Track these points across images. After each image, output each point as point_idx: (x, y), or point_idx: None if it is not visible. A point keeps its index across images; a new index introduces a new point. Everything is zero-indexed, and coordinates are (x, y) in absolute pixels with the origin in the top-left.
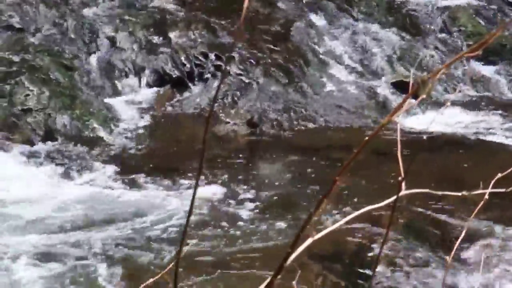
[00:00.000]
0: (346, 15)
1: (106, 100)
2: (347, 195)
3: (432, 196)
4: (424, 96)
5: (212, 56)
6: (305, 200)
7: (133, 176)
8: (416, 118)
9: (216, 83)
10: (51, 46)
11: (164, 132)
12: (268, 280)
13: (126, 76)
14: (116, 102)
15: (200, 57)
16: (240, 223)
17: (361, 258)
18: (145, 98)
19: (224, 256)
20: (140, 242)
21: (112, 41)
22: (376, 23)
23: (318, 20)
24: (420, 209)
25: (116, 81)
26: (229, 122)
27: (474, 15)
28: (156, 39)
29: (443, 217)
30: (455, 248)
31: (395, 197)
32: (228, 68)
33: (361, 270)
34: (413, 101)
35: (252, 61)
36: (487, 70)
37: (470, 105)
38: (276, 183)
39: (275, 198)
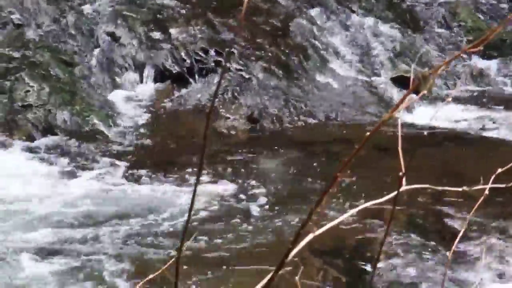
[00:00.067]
0: (346, 10)
1: (106, 96)
2: (348, 190)
3: (433, 191)
4: (425, 92)
5: (212, 51)
6: (307, 195)
7: (135, 171)
8: (417, 114)
9: (216, 79)
10: (51, 42)
11: (164, 128)
12: (269, 276)
13: (126, 71)
14: (116, 98)
15: (200, 53)
16: (243, 218)
17: (362, 253)
18: (145, 94)
19: (229, 251)
20: (146, 238)
21: (112, 37)
22: (376, 18)
23: (318, 15)
24: (420, 204)
25: (116, 77)
26: (229, 118)
27: (474, 10)
28: (156, 35)
29: (443, 212)
30: (455, 243)
31: (395, 192)
32: (228, 63)
33: (362, 265)
34: (414, 96)
35: (252, 56)
36: (488, 65)
37: (471, 100)
38: (277, 178)
39: (277, 193)
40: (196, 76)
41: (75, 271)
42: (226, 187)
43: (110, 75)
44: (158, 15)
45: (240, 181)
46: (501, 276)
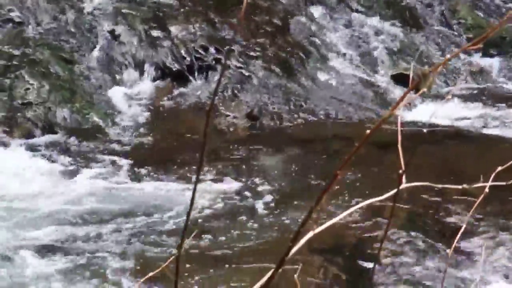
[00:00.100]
0: (345, 8)
1: (106, 93)
2: (348, 188)
3: (433, 189)
4: (425, 89)
5: (212, 49)
6: (307, 192)
7: (135, 169)
8: (417, 111)
9: (216, 76)
10: (51, 40)
11: (164, 125)
12: (269, 274)
13: (126, 69)
14: (116, 96)
15: (200, 51)
16: (244, 216)
17: (362, 251)
18: (145, 91)
19: (231, 249)
20: (149, 236)
21: (112, 34)
22: (375, 15)
23: (318, 13)
24: (421, 202)
25: (116, 75)
26: (229, 115)
27: (474, 8)
28: (156, 33)
29: (443, 210)
30: (456, 240)
31: (395, 190)
32: (228, 61)
33: (362, 263)
34: (413, 95)
35: (252, 54)
36: (488, 63)
37: (471, 98)
38: (277, 176)
39: (277, 190)
40: (196, 74)
41: (78, 268)
42: (227, 185)
43: (110, 72)
44: (158, 13)
45: (240, 178)
46: (501, 273)
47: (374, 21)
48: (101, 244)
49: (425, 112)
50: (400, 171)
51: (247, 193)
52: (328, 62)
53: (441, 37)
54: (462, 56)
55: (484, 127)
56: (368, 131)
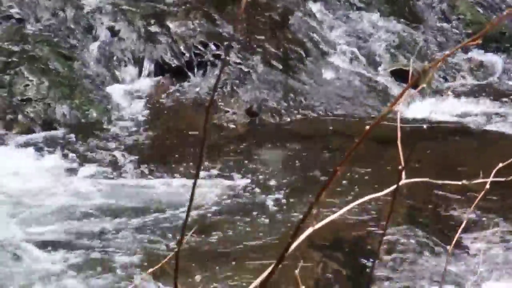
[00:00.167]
0: (345, 3)
1: (106, 89)
2: (348, 184)
3: (433, 185)
4: (424, 85)
5: (211, 45)
6: (307, 188)
7: (135, 165)
8: (417, 107)
9: (215, 72)
10: (51, 36)
11: (163, 121)
12: (269, 269)
13: (126, 65)
14: (115, 92)
15: (199, 47)
16: (245, 212)
17: (361, 247)
18: (145, 87)
19: (231, 245)
20: (153, 231)
21: (111, 31)
22: (375, 11)
23: (317, 9)
24: (420, 198)
25: (115, 71)
26: (228, 111)
27: (473, 4)
28: (155, 29)
29: (443, 206)
30: (456, 237)
31: (395, 186)
32: (227, 57)
33: (362, 259)
34: (413, 90)
35: (251, 50)
36: (487, 58)
37: (470, 93)
38: (277, 172)
39: (277, 186)
40: (195, 70)
41: (84, 264)
42: (226, 181)
43: (109, 69)
44: (157, 9)
45: (239, 174)
46: (501, 269)
47: (374, 17)
48: (107, 240)
49: (425, 108)
50: (400, 167)
51: (247, 190)
52: (328, 58)
53: (440, 33)
54: (461, 52)
55: (484, 123)
56: (367, 127)
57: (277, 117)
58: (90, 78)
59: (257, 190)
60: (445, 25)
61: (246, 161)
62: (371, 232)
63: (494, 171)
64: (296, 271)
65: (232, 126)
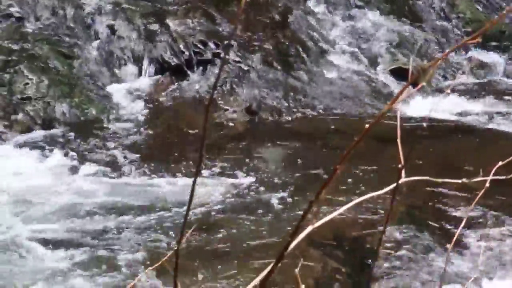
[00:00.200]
0: (345, 2)
1: (105, 88)
2: (348, 182)
3: (433, 183)
4: (424, 83)
5: (210, 44)
6: (307, 187)
7: (135, 164)
8: (417, 106)
9: (215, 71)
10: (50, 35)
11: (163, 120)
12: (269, 268)
13: (125, 64)
14: (115, 90)
15: (199, 45)
16: (245, 210)
17: (361, 245)
18: (144, 86)
19: (231, 243)
20: (155, 229)
21: (111, 29)
22: (374, 10)
23: (317, 7)
24: (420, 197)
25: (115, 69)
26: (228, 110)
27: (473, 2)
28: (155, 28)
29: (443, 204)
30: (456, 235)
31: (395, 184)
32: (227, 55)
33: (361, 257)
34: (412, 89)
35: (251, 48)
36: (487, 57)
37: (470, 92)
38: (277, 170)
39: (277, 185)
40: (195, 69)
41: (89, 261)
42: (226, 179)
43: (109, 67)
44: (156, 8)
45: (239, 173)
46: (501, 268)
47: (373, 15)
48: (110, 238)
49: (425, 107)
50: (400, 166)
51: (247, 188)
52: (327, 57)
53: (440, 31)
54: (461, 50)
55: (484, 121)
56: (367, 125)
57: (276, 116)
58: (90, 76)
59: (257, 188)
60: (445, 23)
61: (245, 160)
62: (371, 230)
63: (493, 170)
64: (296, 270)
65: (231, 124)
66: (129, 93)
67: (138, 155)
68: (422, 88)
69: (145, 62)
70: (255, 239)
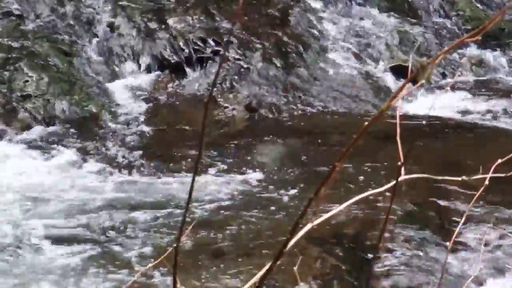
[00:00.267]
0: None
1: (105, 85)
2: (347, 180)
3: (432, 180)
4: (423, 81)
5: (210, 41)
6: (306, 184)
7: (136, 161)
8: (417, 103)
9: (214, 68)
10: (50, 32)
11: (163, 117)
12: (267, 266)
13: (125, 61)
14: (115, 88)
15: (198, 42)
16: (245, 208)
17: (361, 243)
18: (144, 83)
19: (231, 242)
20: (162, 226)
21: (111, 26)
22: (374, 7)
23: (316, 4)
24: (420, 194)
25: (115, 67)
26: (227, 107)
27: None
28: (154, 25)
29: (443, 202)
30: (455, 233)
31: (394, 181)
32: (226, 53)
33: (361, 254)
34: (412, 85)
35: (250, 46)
36: (486, 54)
37: (470, 90)
38: (277, 167)
39: (277, 182)
40: (195, 66)
41: (93, 258)
42: (225, 177)
43: (108, 64)
44: (156, 5)
45: (238, 171)
46: (501, 265)
47: (373, 12)
48: (115, 235)
49: (425, 104)
50: (399, 163)
51: (246, 186)
52: (327, 54)
53: (439, 28)
54: (461, 48)
55: (483, 119)
56: (366, 122)
57: (276, 113)
58: (90, 74)
59: (257, 186)
60: (444, 21)
61: (245, 157)
62: (371, 227)
63: (493, 167)
64: (295, 267)
65: (231, 122)
66: (128, 90)
67: (138, 152)
68: (422, 85)
69: (145, 59)
70: (255, 236)
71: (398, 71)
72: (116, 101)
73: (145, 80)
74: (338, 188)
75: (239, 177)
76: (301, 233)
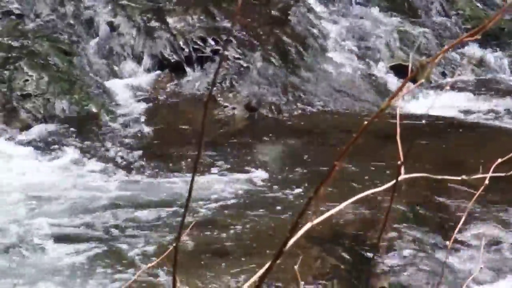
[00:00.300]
0: None
1: (105, 84)
2: (346, 179)
3: (432, 180)
4: (422, 80)
5: (210, 40)
6: (306, 183)
7: (135, 160)
8: (417, 102)
9: (214, 67)
10: (50, 32)
11: (162, 116)
12: (267, 265)
13: (125, 61)
14: (115, 87)
15: (198, 42)
16: (244, 206)
17: (361, 242)
18: (144, 82)
19: (230, 241)
20: (165, 225)
21: (111, 26)
22: (374, 6)
23: (316, 4)
24: (420, 193)
25: (115, 66)
26: (227, 106)
27: None
28: (154, 24)
29: (443, 201)
30: (455, 232)
31: (394, 181)
32: (226, 52)
33: (361, 254)
34: (412, 85)
35: (250, 45)
36: (486, 54)
37: (469, 88)
38: (277, 166)
39: (277, 181)
40: (195, 65)
41: (97, 256)
42: (225, 176)
43: (108, 64)
44: (156, 4)
45: (238, 169)
46: (501, 266)
47: (373, 12)
48: (118, 233)
49: (425, 104)
50: (399, 162)
51: (246, 185)
52: (327, 53)
53: (439, 28)
54: (460, 47)
55: (483, 118)
56: (366, 121)
57: (276, 112)
58: (90, 73)
59: (256, 185)
60: (444, 20)
61: (245, 156)
62: (370, 227)
63: (493, 166)
64: (296, 266)
65: (231, 121)
66: (128, 89)
67: (138, 152)
68: (422, 84)
69: (145, 59)
70: (257, 235)
71: (398, 70)
72: (116, 101)
73: (145, 79)
74: (337, 187)
75: (239, 177)
76: (300, 232)
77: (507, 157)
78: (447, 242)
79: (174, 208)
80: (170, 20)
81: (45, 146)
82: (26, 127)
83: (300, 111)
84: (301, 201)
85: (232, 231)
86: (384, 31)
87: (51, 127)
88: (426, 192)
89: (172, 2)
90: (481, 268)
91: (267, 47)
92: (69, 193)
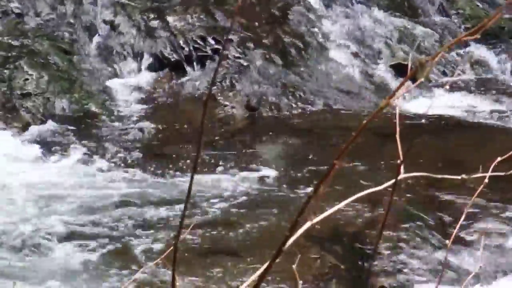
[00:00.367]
0: None
1: (105, 83)
2: (346, 178)
3: (432, 179)
4: (422, 79)
5: (210, 39)
6: (306, 182)
7: (135, 159)
8: (416, 101)
9: (214, 67)
10: (50, 31)
11: (162, 116)
12: (266, 264)
13: (125, 60)
14: (115, 86)
15: (198, 41)
16: (245, 206)
17: (360, 241)
18: (144, 81)
19: (230, 240)
20: (168, 223)
21: (111, 25)
22: (374, 6)
23: (317, 3)
24: (419, 192)
25: (115, 65)
26: (227, 105)
27: None
28: (154, 23)
29: (442, 200)
30: (455, 231)
31: (394, 180)
32: (226, 51)
33: (360, 253)
34: (411, 84)
35: (250, 44)
36: (486, 53)
37: (469, 88)
38: (276, 166)
39: (277, 180)
40: (195, 64)
41: (102, 254)
42: (225, 175)
43: (108, 63)
44: (156, 3)
45: (238, 168)
46: (500, 265)
47: (373, 11)
48: (123, 231)
49: (425, 103)
50: (399, 161)
51: (245, 184)
52: (327, 52)
53: (439, 27)
54: (460, 46)
55: (483, 117)
56: (365, 120)
57: (276, 111)
58: (90, 72)
59: (256, 184)
60: (444, 19)
61: (244, 155)
62: (370, 226)
63: (492, 165)
64: (294, 266)
65: (231, 120)
66: (128, 88)
67: (137, 151)
68: (422, 83)
69: (145, 58)
70: (254, 234)
71: (398, 69)
72: (116, 100)
73: (145, 78)
74: (337, 186)
75: (239, 176)
76: (300, 231)
77: (506, 155)
78: (447, 241)
79: (176, 206)
80: (170, 19)
81: (46, 145)
82: (26, 126)
83: (300, 110)
84: (300, 199)
85: (232, 230)
86: (384, 30)
87: (51, 126)
88: (426, 191)
89: (172, 1)
90: (480, 266)
91: (267, 46)
92: (73, 192)
